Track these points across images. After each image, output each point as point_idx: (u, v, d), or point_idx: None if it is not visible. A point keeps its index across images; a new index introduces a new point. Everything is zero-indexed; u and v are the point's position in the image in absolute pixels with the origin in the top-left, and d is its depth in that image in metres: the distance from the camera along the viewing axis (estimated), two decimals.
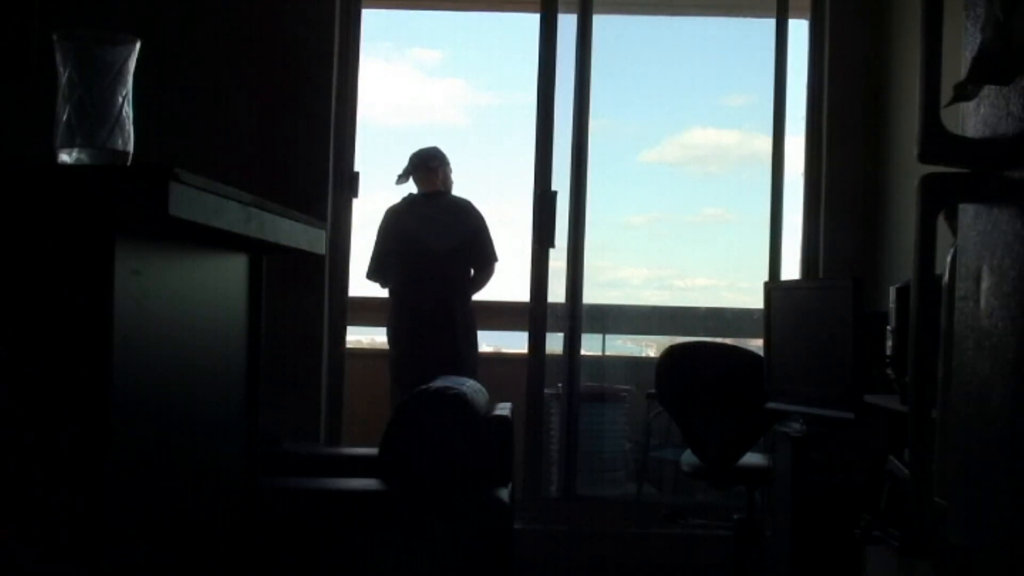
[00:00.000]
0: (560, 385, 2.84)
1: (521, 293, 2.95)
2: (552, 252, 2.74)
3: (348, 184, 2.72)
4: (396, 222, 2.78)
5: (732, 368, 2.28)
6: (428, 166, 2.80)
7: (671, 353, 2.39)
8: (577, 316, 2.77)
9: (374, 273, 2.78)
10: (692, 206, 3.62)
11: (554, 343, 2.79)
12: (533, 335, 2.74)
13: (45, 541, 0.62)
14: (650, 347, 3.67)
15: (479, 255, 2.73)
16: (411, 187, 2.84)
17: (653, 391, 2.38)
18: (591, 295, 2.86)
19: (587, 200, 2.76)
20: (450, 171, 2.81)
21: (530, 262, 2.77)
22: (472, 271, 2.75)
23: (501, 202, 4.13)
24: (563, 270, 2.77)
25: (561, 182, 2.75)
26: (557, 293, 2.76)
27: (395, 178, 2.82)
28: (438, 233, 2.69)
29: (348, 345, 2.79)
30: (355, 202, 2.73)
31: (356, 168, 2.74)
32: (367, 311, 3.14)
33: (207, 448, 0.86)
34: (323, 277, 2.69)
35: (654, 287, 3.64)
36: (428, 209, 2.80)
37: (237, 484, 0.93)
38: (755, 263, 2.81)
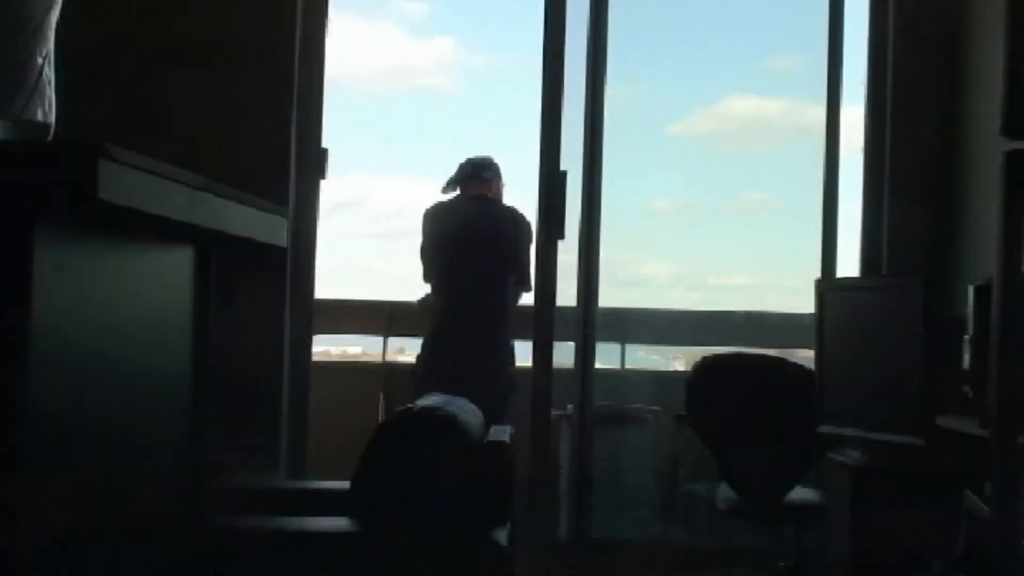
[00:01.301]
0: (570, 405, 2.85)
1: (524, 294, 3.00)
2: (561, 245, 2.74)
3: (315, 162, 2.72)
4: (436, 222, 2.97)
5: (777, 385, 2.30)
6: (481, 177, 3.01)
7: (704, 367, 2.41)
8: (591, 322, 2.78)
9: (429, 274, 3.00)
10: (729, 189, 3.60)
11: (563, 354, 2.80)
12: (538, 345, 2.74)
13: None
14: (679, 359, 3.68)
15: (516, 270, 2.95)
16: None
17: (683, 412, 2.40)
18: (608, 296, 2.87)
19: (603, 182, 2.77)
20: (503, 186, 3.05)
21: (534, 257, 2.78)
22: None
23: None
24: (574, 266, 2.78)
25: (572, 161, 2.76)
26: (567, 294, 2.77)
27: (441, 187, 3.04)
28: (482, 239, 2.92)
29: (315, 357, 2.81)
30: (323, 184, 2.74)
31: (324, 143, 2.73)
32: (337, 316, 3.16)
33: (145, 479, 0.86)
34: (284, 275, 2.68)
35: (683, 287, 3.65)
36: (474, 213, 2.98)
37: (181, 523, 0.93)
38: (804, 258, 2.81)
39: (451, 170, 3.02)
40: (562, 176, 2.74)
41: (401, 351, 3.63)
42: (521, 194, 3.54)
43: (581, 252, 2.78)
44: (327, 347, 3.61)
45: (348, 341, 3.72)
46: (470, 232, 2.93)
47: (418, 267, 3.04)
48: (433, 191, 3.11)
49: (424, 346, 2.96)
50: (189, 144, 2.40)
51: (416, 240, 3.05)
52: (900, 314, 1.88)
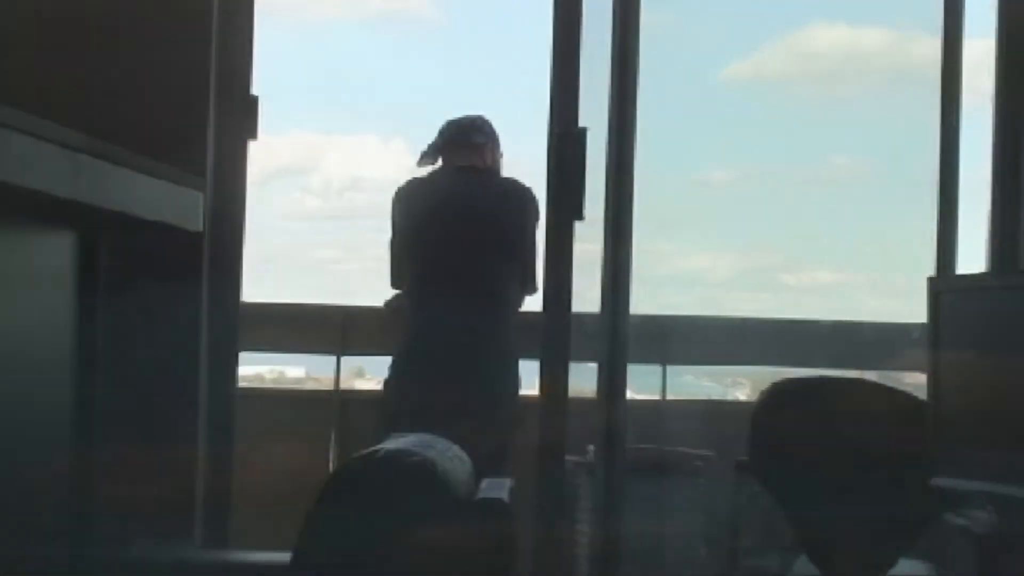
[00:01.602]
0: (592, 448, 2.87)
1: (529, 297, 3.08)
2: (578, 228, 2.77)
3: (241, 117, 2.72)
4: (412, 205, 3.04)
5: (875, 421, 2.30)
6: (471, 142, 3.09)
7: (775, 397, 2.45)
8: (620, 335, 2.79)
9: (399, 279, 3.09)
10: (810, 153, 3.60)
11: (583, 379, 2.83)
12: (548, 367, 2.77)
13: None
14: (740, 386, 3.69)
15: (519, 265, 3.04)
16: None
17: (745, 458, 2.43)
18: (643, 300, 2.89)
19: (636, 144, 2.78)
20: (500, 154, 3.14)
21: (544, 246, 2.82)
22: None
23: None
24: (597, 259, 2.80)
25: (593, 115, 2.78)
26: (588, 297, 2.80)
27: (418, 158, 3.12)
28: (474, 223, 2.98)
29: (242, 382, 2.85)
30: (253, 146, 2.75)
31: (255, 90, 2.74)
32: (273, 326, 3.18)
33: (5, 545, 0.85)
34: (200, 270, 2.69)
35: (747, 286, 3.66)
36: (462, 188, 3.06)
37: None
38: (912, 248, 2.81)
39: (429, 130, 3.09)
40: (580, 136, 2.76)
41: (360, 374, 3.65)
42: (525, 164, 3.55)
43: (607, 240, 2.79)
44: (258, 369, 3.67)
45: (288, 361, 3.73)
46: (457, 216, 3.00)
47: (384, 261, 3.08)
48: (403, 155, 3.17)
49: (393, 368, 3.01)
50: (74, 92, 2.40)
51: (382, 222, 3.09)
52: None
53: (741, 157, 3.60)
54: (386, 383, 3.03)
